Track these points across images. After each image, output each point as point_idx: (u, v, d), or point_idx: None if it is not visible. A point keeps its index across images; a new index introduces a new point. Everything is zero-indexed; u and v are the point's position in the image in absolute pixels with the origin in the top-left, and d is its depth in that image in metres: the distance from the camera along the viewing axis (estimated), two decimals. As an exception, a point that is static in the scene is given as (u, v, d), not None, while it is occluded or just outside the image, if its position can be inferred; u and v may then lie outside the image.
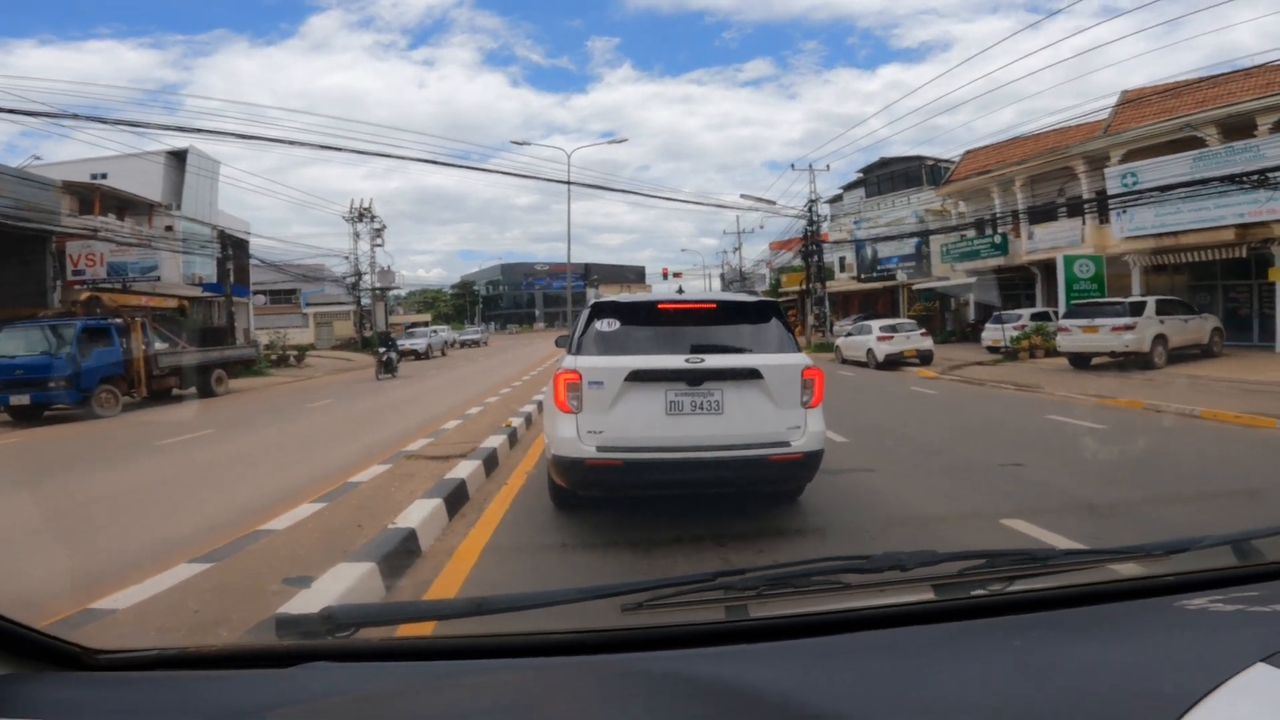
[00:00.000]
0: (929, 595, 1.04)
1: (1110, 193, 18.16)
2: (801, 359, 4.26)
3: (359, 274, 36.35)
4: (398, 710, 0.83)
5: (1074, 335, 14.95)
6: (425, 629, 1.05)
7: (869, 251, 31.84)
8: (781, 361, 4.17)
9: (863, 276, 32.71)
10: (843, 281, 34.68)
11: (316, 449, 8.85)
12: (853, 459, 6.23)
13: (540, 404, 10.44)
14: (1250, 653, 0.73)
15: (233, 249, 25.31)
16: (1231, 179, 14.74)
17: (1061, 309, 18.26)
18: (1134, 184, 17.35)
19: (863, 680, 0.81)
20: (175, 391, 15.98)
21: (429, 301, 73.81)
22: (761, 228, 40.34)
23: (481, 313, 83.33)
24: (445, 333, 41.05)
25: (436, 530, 4.32)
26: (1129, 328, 14.03)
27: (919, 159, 32.76)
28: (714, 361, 4.06)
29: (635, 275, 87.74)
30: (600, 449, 4.00)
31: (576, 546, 4.08)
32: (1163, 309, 14.69)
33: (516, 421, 8.62)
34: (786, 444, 4.06)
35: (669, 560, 3.77)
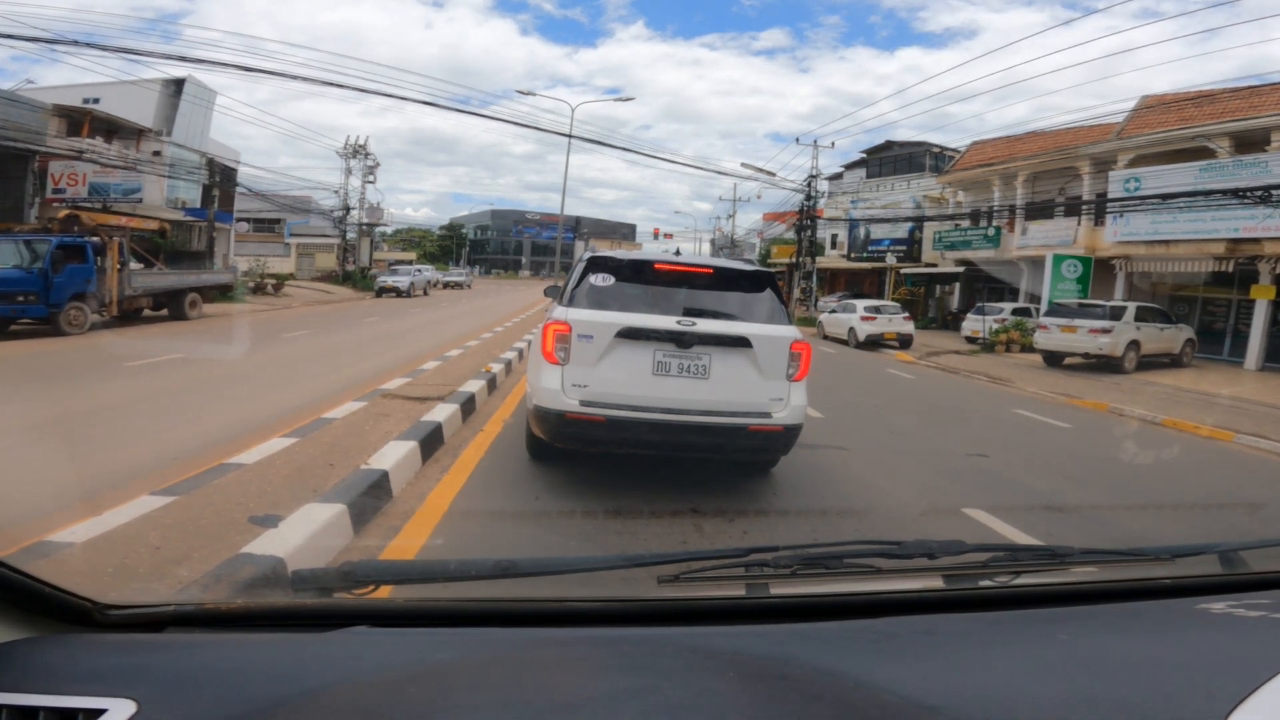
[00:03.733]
0: (957, 585, 1.06)
1: (1111, 196, 18.19)
2: (791, 332, 4.28)
3: (347, 208, 35.61)
4: (465, 684, 0.80)
5: (1052, 334, 15.16)
6: (449, 590, 1.03)
7: (862, 231, 31.79)
8: (771, 333, 4.18)
9: (853, 256, 32.73)
10: (832, 258, 34.69)
11: (289, 380, 8.73)
12: (827, 435, 6.32)
13: (521, 351, 10.47)
14: None
15: (220, 176, 24.63)
16: (1235, 193, 14.79)
17: (1044, 306, 18.47)
18: (1136, 189, 17.38)
19: (914, 664, 0.81)
20: (147, 313, 15.66)
21: (415, 240, 72.46)
22: (759, 197, 40.08)
23: (468, 256, 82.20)
24: (429, 272, 40.44)
25: (409, 474, 4.32)
26: (1105, 331, 14.25)
27: (924, 145, 32.64)
28: (705, 326, 4.06)
29: (626, 232, 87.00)
30: (583, 403, 4.01)
31: (550, 504, 4.10)
32: (1141, 315, 14.90)
33: (497, 368, 8.59)
34: (768, 415, 4.11)
35: (644, 525, 3.82)
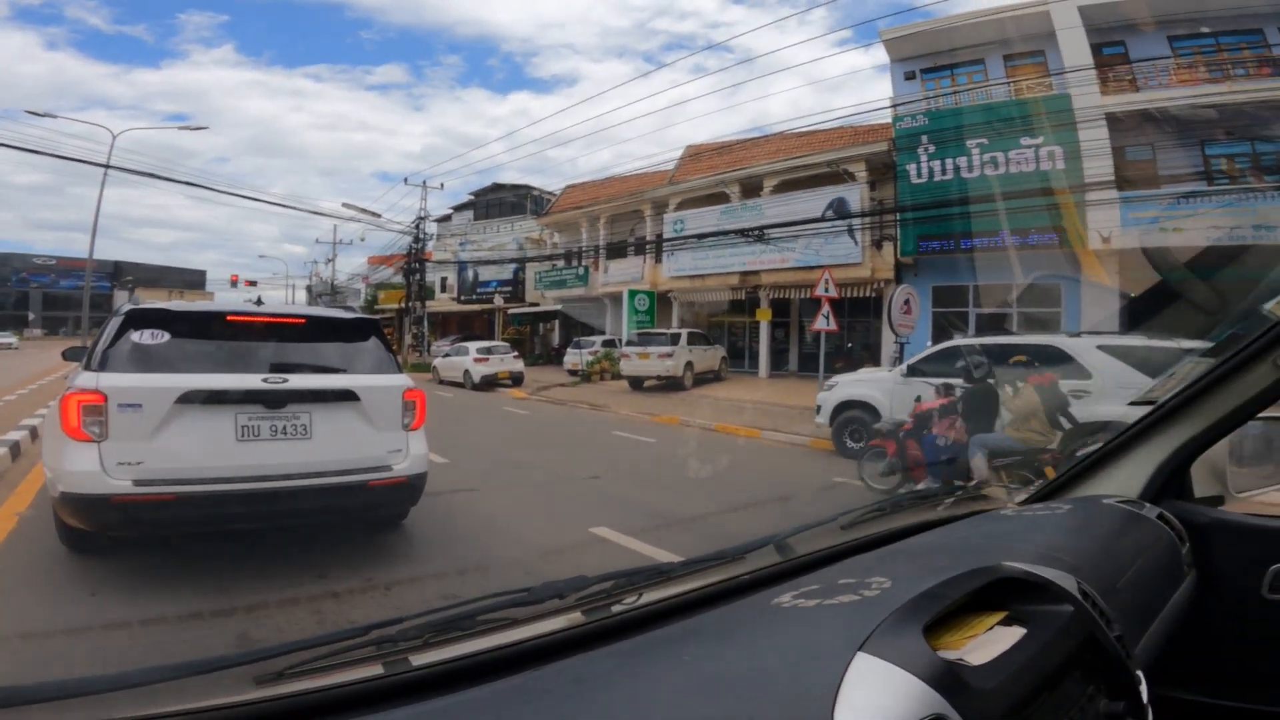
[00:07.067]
0: (593, 617, 1.09)
1: (666, 237, 21.80)
2: (402, 380, 4.20)
3: None
4: None
5: (632, 361, 17.89)
6: None
7: (471, 274, 32.63)
8: (380, 383, 4.05)
9: (463, 298, 33.33)
10: (443, 302, 34.76)
11: None
12: (455, 479, 6.32)
13: (34, 429, 7.99)
14: (847, 644, 0.83)
15: None
16: (741, 233, 19.05)
17: (624, 337, 21.53)
18: (681, 230, 21.19)
19: (568, 718, 0.79)
20: None
21: None
22: (363, 240, 37.75)
23: (-70, 314, 58.60)
24: None
25: None
26: (669, 355, 17.42)
27: (527, 188, 34.23)
28: (300, 382, 3.74)
29: (193, 279, 72.92)
30: (139, 482, 3.34)
31: (115, 598, 3.20)
32: (691, 339, 18.57)
33: None
34: (388, 468, 3.95)
35: (263, 603, 3.24)
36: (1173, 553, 1.54)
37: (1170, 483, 1.72)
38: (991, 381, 6.22)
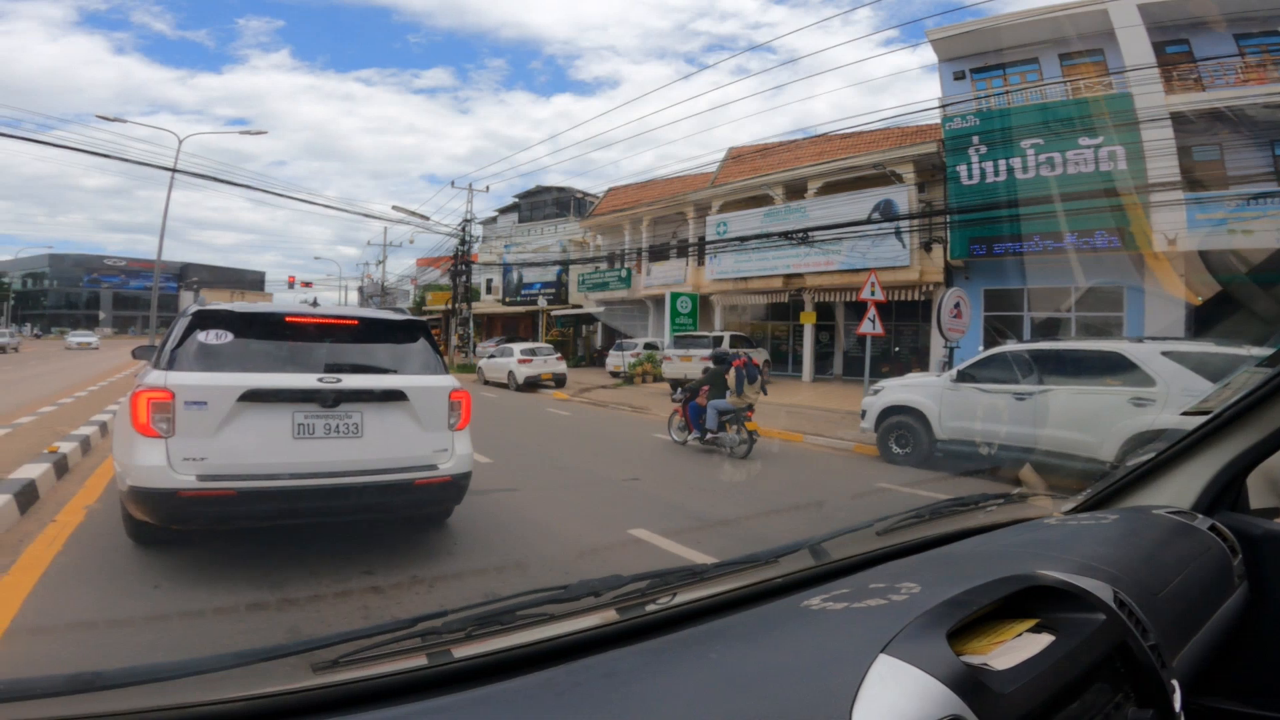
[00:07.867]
0: (626, 615, 1.11)
1: (708, 239, 21.73)
2: (449, 381, 4.29)
3: None
4: None
5: (675, 363, 17.89)
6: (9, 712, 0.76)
7: (515, 275, 33.11)
8: (428, 383, 4.15)
9: (507, 300, 33.83)
10: (488, 303, 35.34)
11: None
12: (497, 479, 6.44)
13: (105, 425, 8.46)
14: (870, 646, 0.86)
15: None
16: (785, 235, 18.86)
17: (666, 339, 21.55)
18: (724, 232, 21.04)
19: (595, 712, 0.81)
20: None
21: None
22: (411, 242, 38.69)
23: (12, 311, 62.63)
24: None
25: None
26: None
27: (570, 191, 34.71)
28: (353, 382, 3.86)
29: (253, 280, 76.08)
30: (202, 477, 3.47)
31: (176, 591, 3.34)
32: (734, 343, 18.45)
33: (67, 446, 6.75)
34: (434, 467, 4.05)
35: (311, 597, 3.39)
36: (1223, 564, 1.50)
37: (1225, 494, 1.67)
38: (722, 366, 9.03)
